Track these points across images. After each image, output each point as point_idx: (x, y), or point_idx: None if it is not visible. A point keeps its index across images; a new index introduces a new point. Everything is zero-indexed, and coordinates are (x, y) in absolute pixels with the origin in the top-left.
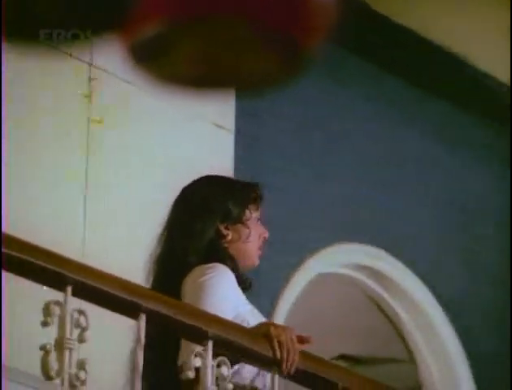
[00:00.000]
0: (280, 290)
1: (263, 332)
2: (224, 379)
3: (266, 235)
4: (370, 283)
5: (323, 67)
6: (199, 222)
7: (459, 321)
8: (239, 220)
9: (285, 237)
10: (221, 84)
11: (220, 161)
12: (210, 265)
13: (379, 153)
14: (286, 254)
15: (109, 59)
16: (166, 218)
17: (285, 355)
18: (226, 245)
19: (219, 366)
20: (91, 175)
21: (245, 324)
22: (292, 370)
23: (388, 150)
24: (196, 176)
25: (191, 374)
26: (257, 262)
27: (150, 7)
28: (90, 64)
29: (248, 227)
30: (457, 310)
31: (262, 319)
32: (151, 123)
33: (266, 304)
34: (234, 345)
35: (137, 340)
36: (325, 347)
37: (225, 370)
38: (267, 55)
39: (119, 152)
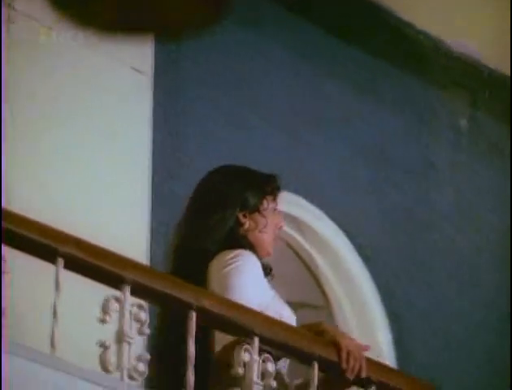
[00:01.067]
0: None
1: (331, 340)
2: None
3: (283, 224)
4: (288, 229)
5: (243, 14)
6: (219, 211)
7: (376, 267)
8: (256, 209)
9: None
10: (141, 29)
11: (139, 106)
12: (235, 252)
13: (297, 100)
14: None
15: (29, 3)
16: (185, 206)
17: (352, 363)
18: (244, 233)
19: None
20: (13, 123)
21: (270, 311)
22: (361, 375)
23: (307, 98)
24: (113, 119)
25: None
26: (271, 251)
27: None
28: (10, 7)
29: (265, 217)
30: (375, 257)
31: (284, 306)
32: (70, 67)
33: None
34: (151, 290)
35: (56, 285)
36: None
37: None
38: (188, 0)
39: (39, 97)
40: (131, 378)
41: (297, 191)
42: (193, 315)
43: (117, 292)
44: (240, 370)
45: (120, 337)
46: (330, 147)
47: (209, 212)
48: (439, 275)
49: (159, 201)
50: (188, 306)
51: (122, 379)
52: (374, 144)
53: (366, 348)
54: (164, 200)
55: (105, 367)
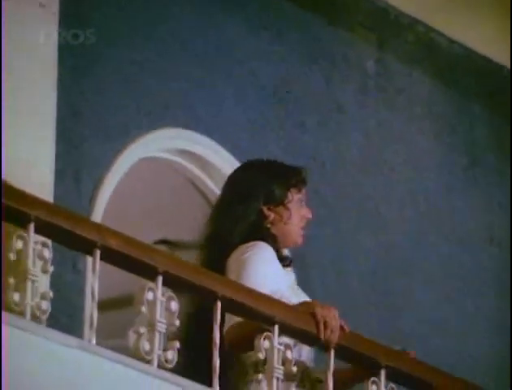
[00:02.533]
0: (102, 175)
1: (309, 311)
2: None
3: (310, 215)
4: (192, 167)
5: None
6: (243, 205)
7: None
8: (281, 202)
9: (108, 122)
10: None
11: (44, 42)
12: (251, 243)
13: (201, 40)
14: (109, 139)
15: None
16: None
17: (329, 334)
18: (268, 226)
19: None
20: None
21: (283, 300)
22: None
23: (211, 38)
24: (18, 54)
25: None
26: (299, 241)
27: None
28: None
29: (289, 209)
30: None
31: (302, 294)
32: None
33: (88, 189)
34: (55, 228)
35: None
36: (146, 231)
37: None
38: None
39: None
40: (34, 316)
41: (201, 130)
42: (98, 253)
43: (21, 231)
44: (144, 309)
45: (24, 275)
46: (237, 86)
47: (233, 205)
48: (346, 218)
49: (64, 140)
50: (92, 244)
51: (25, 317)
52: (280, 85)
53: (345, 326)
54: (69, 139)
55: (8, 306)
